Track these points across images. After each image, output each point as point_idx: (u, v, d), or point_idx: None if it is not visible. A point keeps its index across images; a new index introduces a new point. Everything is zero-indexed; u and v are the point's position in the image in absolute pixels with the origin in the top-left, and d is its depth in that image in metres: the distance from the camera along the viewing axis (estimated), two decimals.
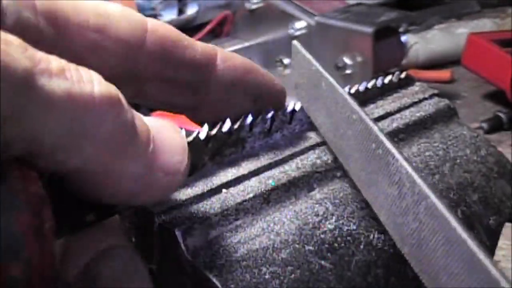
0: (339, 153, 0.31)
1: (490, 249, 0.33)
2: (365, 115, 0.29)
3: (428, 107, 0.36)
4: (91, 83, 0.22)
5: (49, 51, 0.24)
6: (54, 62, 0.21)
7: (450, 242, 0.23)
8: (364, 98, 0.36)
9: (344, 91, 0.30)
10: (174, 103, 0.31)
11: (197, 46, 0.30)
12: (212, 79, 0.31)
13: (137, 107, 0.26)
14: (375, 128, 0.28)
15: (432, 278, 0.24)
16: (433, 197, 0.24)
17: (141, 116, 0.24)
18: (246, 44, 0.99)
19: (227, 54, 0.31)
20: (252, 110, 0.31)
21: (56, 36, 0.26)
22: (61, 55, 0.26)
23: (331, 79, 0.31)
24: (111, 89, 0.23)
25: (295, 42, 0.35)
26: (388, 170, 0.27)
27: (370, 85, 0.36)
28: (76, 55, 0.27)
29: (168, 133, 0.25)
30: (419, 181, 0.25)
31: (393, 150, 0.27)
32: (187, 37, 0.30)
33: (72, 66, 0.22)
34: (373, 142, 0.28)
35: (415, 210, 0.25)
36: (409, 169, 0.26)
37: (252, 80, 0.31)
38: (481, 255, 0.22)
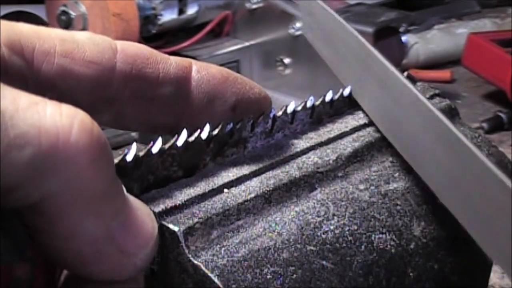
0: (343, 79, 0.35)
1: None
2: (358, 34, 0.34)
3: None
4: (71, 118, 0.21)
5: (19, 81, 0.23)
6: (24, 98, 0.21)
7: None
8: None
9: (346, 24, 0.35)
10: (154, 123, 0.31)
11: (171, 60, 0.30)
12: (189, 92, 0.30)
13: None
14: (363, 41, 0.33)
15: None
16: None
17: (122, 185, 0.24)
18: (246, 44, 0.99)
19: (202, 65, 0.31)
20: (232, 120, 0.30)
21: (24, 65, 0.26)
22: (31, 84, 0.26)
23: (339, 18, 0.36)
24: (97, 132, 0.22)
25: None
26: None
27: None
28: (47, 82, 0.27)
29: (143, 215, 0.24)
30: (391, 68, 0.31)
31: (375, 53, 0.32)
32: (159, 53, 0.30)
33: (48, 101, 0.21)
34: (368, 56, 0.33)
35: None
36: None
37: (229, 88, 0.31)
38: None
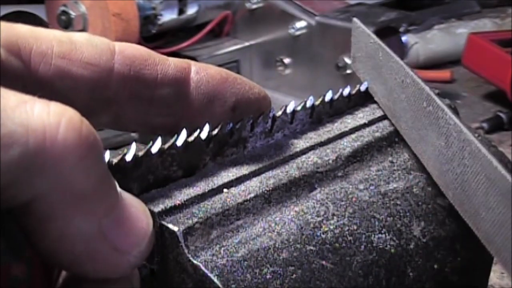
0: (392, 116, 0.34)
1: None
2: (418, 77, 0.32)
3: None
4: (58, 116, 0.21)
5: (16, 82, 0.23)
6: (13, 96, 0.21)
7: (490, 180, 0.26)
8: (366, 98, 0.36)
9: (399, 58, 0.33)
10: (153, 123, 0.31)
11: (169, 61, 0.30)
12: (188, 93, 0.30)
13: None
14: (427, 88, 0.31)
15: (473, 215, 0.28)
16: (476, 142, 0.27)
17: (116, 182, 0.24)
18: (246, 44, 0.99)
19: (201, 65, 0.31)
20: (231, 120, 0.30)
21: (21, 66, 0.26)
22: (28, 85, 0.26)
23: (388, 49, 0.34)
24: (86, 130, 0.22)
25: (355, 19, 0.37)
26: (437, 124, 0.30)
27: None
28: (44, 83, 0.27)
29: (137, 212, 0.24)
30: (465, 130, 0.28)
31: (443, 106, 0.30)
32: (157, 54, 0.30)
33: (36, 100, 0.21)
34: (424, 100, 0.31)
35: (460, 156, 0.28)
36: (457, 121, 0.29)
37: (229, 89, 0.31)
38: None
